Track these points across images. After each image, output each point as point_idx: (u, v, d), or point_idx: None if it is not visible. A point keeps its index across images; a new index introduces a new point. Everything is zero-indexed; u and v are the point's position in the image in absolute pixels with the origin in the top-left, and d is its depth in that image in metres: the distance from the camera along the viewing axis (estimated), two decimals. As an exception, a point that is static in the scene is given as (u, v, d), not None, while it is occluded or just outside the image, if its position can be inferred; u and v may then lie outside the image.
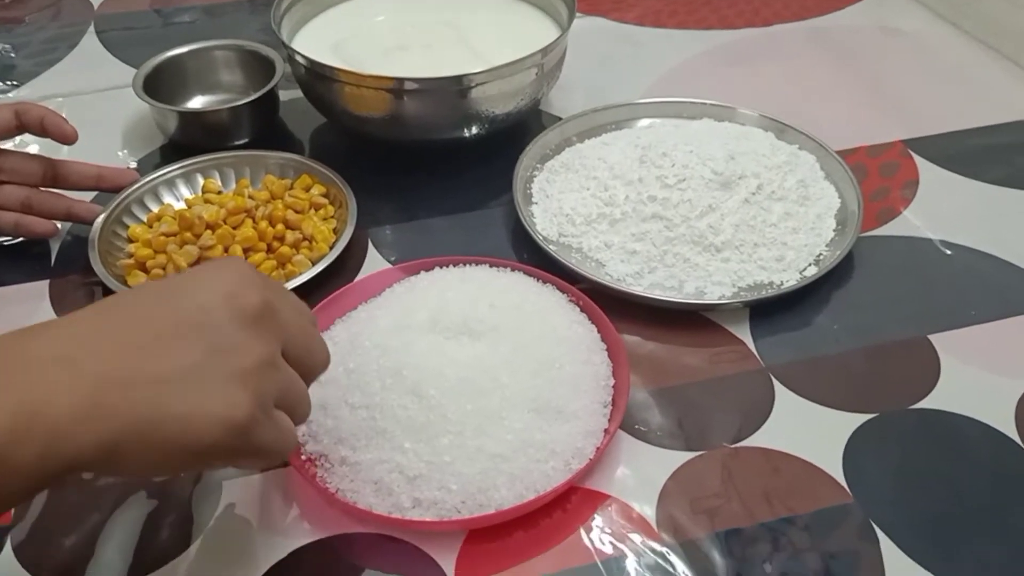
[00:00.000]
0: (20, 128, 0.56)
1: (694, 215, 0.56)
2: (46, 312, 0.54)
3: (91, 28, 0.82)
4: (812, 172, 0.62)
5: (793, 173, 0.60)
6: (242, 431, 0.31)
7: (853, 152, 0.66)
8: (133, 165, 0.66)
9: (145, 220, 0.59)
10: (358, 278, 0.56)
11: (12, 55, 0.79)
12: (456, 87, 0.60)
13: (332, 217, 0.60)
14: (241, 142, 0.67)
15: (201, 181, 0.62)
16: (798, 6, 0.83)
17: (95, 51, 0.79)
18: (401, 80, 0.60)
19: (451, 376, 0.45)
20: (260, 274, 0.35)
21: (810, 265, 0.56)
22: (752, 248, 0.56)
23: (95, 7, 0.86)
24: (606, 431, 0.45)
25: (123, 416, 0.29)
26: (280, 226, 0.57)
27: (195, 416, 0.30)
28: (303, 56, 0.62)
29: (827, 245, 0.57)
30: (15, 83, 0.75)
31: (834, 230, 0.58)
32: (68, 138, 0.57)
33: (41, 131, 0.57)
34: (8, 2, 0.88)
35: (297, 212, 0.59)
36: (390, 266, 0.57)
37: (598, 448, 0.44)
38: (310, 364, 0.37)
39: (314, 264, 0.56)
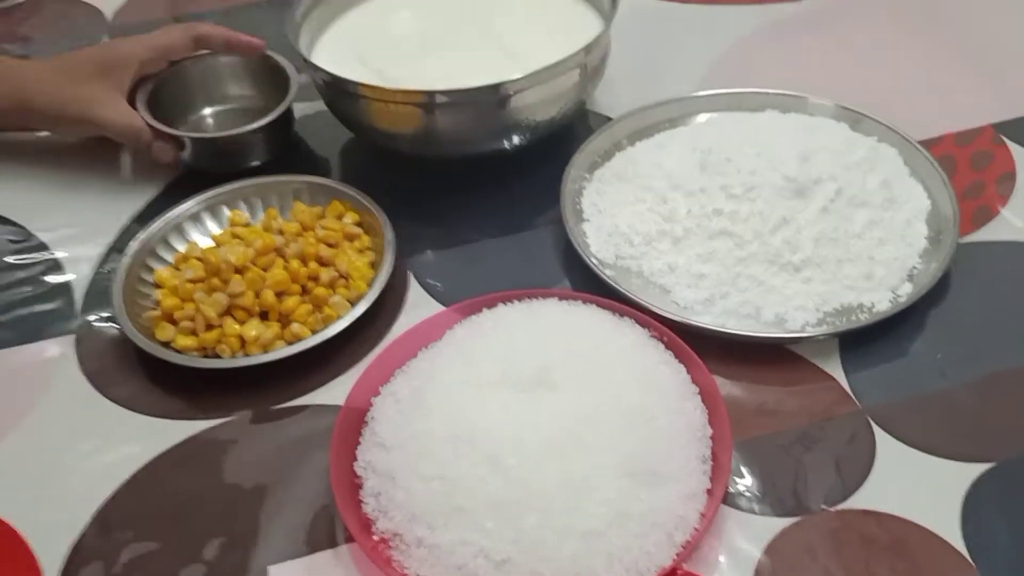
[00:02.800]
0: (198, 47, 0.63)
1: (767, 229, 0.51)
2: (73, 374, 0.50)
3: (104, 40, 0.77)
4: (896, 169, 0.55)
5: (874, 172, 0.54)
6: None
7: (938, 142, 0.59)
8: (156, 191, 0.62)
9: (172, 262, 0.55)
10: (408, 319, 0.51)
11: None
12: (492, 97, 0.55)
13: (368, 248, 0.55)
14: (258, 163, 0.62)
15: (227, 213, 0.58)
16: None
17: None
18: (431, 93, 0.55)
19: (531, 440, 0.40)
20: None
21: (903, 282, 0.50)
22: (835, 265, 0.50)
23: (108, 18, 0.81)
24: (709, 492, 0.40)
25: None
26: (313, 264, 0.53)
27: None
28: (324, 71, 0.57)
29: (920, 257, 0.51)
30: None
31: (926, 237, 0.52)
32: (256, 48, 0.64)
33: (227, 49, 0.64)
34: (11, 5, 0.83)
35: (331, 246, 0.54)
36: (438, 305, 0.52)
37: (703, 515, 0.39)
38: None
39: (353, 305, 0.51)
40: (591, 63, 0.58)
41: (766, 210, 0.51)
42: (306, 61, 0.59)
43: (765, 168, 0.52)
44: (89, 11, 0.82)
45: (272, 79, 0.64)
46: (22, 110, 0.60)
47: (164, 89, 0.63)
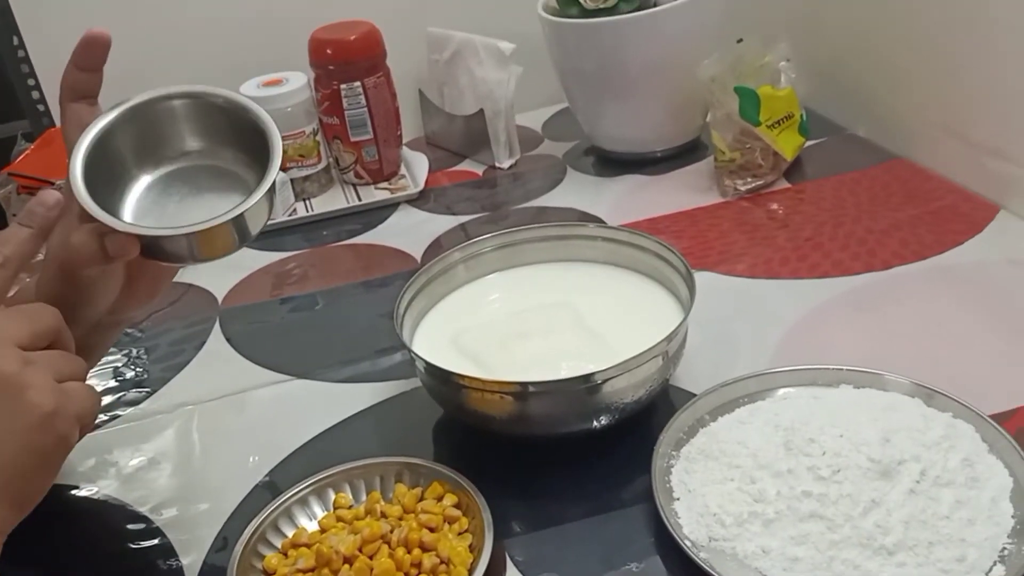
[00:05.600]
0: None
1: (857, 512, 0.52)
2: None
3: (216, 325, 0.85)
4: (974, 446, 0.57)
5: (955, 450, 0.56)
6: None
7: (1011, 416, 0.61)
8: (265, 476, 0.66)
9: (280, 547, 0.58)
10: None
11: (145, 358, 0.82)
12: (583, 385, 0.59)
13: (467, 531, 0.58)
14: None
15: (332, 496, 0.61)
16: (916, 244, 0.80)
17: (221, 351, 0.81)
18: (525, 384, 0.59)
19: None
20: None
21: (995, 564, 0.50)
22: (927, 548, 0.51)
23: (219, 300, 0.90)
24: None
25: None
26: (416, 550, 0.55)
27: None
28: (423, 360, 0.62)
29: (1009, 536, 0.52)
30: (149, 390, 0.77)
31: (1013, 516, 0.53)
32: (98, 39, 0.52)
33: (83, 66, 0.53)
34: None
35: (432, 531, 0.57)
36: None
37: None
38: None
39: (455, 593, 0.53)
40: (672, 349, 0.62)
41: (854, 492, 0.53)
42: (409, 350, 0.64)
43: (849, 450, 0.54)
44: (202, 295, 0.91)
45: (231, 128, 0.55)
46: None
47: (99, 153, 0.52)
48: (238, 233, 0.51)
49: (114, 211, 0.51)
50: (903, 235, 0.82)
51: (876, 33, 0.98)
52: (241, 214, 0.51)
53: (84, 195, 0.49)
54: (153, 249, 0.51)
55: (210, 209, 0.51)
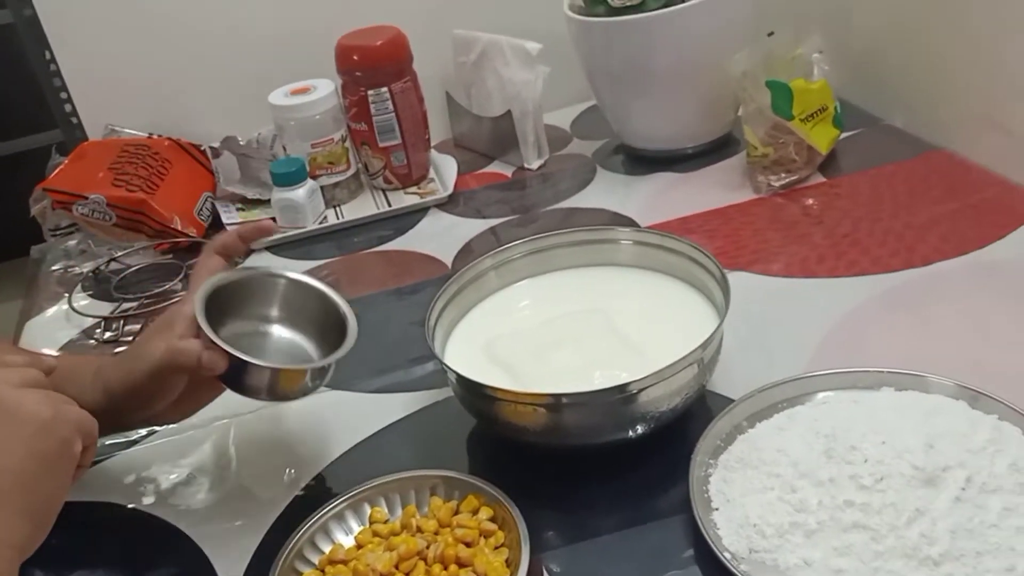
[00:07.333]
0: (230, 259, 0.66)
1: (901, 522, 0.51)
2: None
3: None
4: (1022, 449, 0.55)
5: (1002, 454, 0.54)
6: None
7: (1062, 416, 0.59)
8: (301, 490, 0.66)
9: (316, 564, 0.58)
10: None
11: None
12: (617, 395, 0.58)
13: (503, 545, 0.57)
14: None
15: (368, 510, 0.61)
16: (957, 238, 0.78)
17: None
18: (559, 395, 0.58)
19: None
20: None
21: (1049, 575, 0.49)
22: (975, 558, 0.49)
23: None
24: None
25: None
26: (453, 567, 0.55)
27: None
28: (456, 372, 0.62)
29: (1063, 545, 0.50)
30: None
31: (1067, 523, 0.51)
32: (266, 229, 0.69)
33: (246, 244, 0.66)
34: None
35: (468, 545, 0.56)
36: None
37: None
38: None
39: (492, 609, 0.53)
40: (707, 355, 0.61)
41: (898, 501, 0.51)
42: (441, 362, 0.64)
43: (891, 457, 0.53)
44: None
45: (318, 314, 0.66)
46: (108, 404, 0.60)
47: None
48: (310, 383, 0.62)
49: None
50: (943, 230, 0.80)
51: (913, 20, 0.95)
52: (324, 367, 0.62)
53: (202, 318, 0.58)
54: (234, 374, 0.59)
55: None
